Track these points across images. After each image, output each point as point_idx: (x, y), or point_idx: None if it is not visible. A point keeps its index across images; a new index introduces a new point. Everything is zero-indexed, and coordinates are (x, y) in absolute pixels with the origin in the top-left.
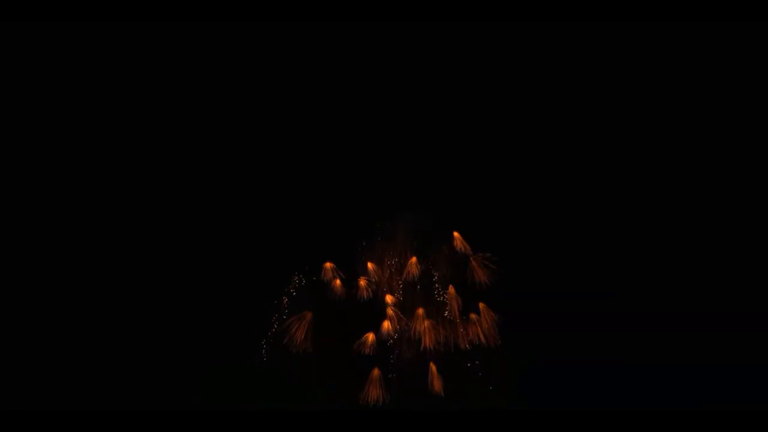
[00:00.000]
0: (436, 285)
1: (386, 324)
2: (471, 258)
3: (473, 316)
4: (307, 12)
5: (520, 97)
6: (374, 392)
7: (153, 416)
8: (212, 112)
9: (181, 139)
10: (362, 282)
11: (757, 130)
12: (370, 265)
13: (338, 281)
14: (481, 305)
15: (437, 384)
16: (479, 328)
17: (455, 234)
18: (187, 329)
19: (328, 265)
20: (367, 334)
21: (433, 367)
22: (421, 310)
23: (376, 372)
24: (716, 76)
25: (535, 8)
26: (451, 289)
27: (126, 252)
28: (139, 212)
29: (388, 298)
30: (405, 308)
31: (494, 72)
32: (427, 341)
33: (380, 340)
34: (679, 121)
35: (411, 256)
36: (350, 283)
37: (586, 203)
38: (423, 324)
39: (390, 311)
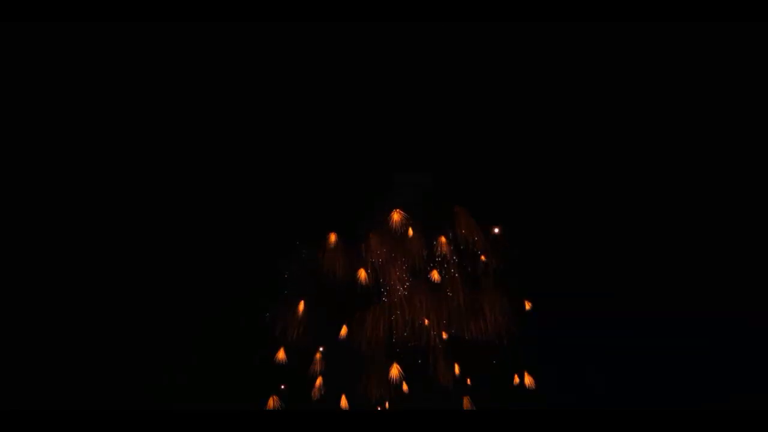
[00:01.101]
0: (440, 265)
1: (389, 310)
2: (477, 235)
3: (482, 302)
4: None
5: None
6: (375, 389)
7: (150, 416)
8: (199, 92)
9: (170, 119)
10: (365, 257)
11: (757, 130)
12: (372, 237)
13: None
14: (486, 286)
15: (444, 375)
16: (488, 313)
17: (457, 208)
18: (177, 316)
19: (332, 236)
20: (367, 325)
21: (439, 356)
22: (425, 294)
23: (379, 365)
24: (716, 76)
25: None
26: (455, 270)
27: (106, 240)
28: (122, 193)
29: (392, 276)
30: (407, 290)
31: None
32: (432, 329)
33: (383, 328)
34: (680, 121)
35: (412, 231)
36: (352, 261)
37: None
38: (427, 308)
39: (396, 288)
